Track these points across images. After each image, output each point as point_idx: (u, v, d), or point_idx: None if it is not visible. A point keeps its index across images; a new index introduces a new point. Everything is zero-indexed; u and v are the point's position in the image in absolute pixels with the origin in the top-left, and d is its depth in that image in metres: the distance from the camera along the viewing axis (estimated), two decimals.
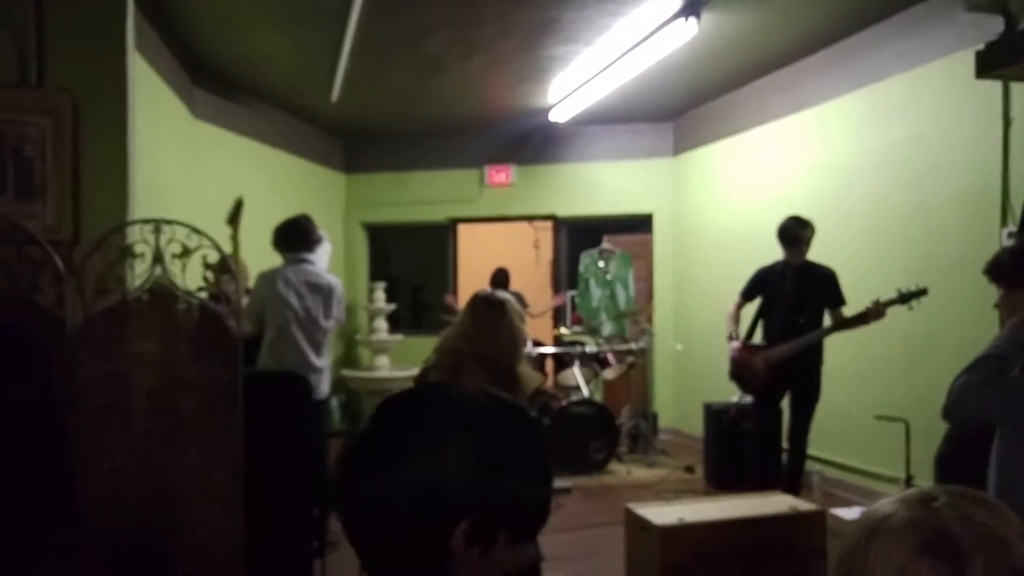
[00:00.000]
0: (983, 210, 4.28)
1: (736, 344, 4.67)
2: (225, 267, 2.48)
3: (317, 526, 3.15)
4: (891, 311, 4.21)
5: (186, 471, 2.32)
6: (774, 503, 3.69)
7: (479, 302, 2.59)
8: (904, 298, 4.14)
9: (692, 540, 3.15)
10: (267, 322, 3.90)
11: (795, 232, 4.52)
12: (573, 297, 7.33)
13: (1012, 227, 4.09)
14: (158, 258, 2.32)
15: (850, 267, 4.84)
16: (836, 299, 4.50)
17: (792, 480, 4.50)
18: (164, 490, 2.28)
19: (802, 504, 3.68)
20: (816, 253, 4.75)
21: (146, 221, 2.33)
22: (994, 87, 4.20)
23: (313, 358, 3.98)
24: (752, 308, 4.79)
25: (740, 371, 4.66)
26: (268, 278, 3.98)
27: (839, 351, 4.82)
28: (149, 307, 2.29)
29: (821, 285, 4.52)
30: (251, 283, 4.08)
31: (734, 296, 4.83)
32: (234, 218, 3.65)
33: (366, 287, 7.77)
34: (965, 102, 4.41)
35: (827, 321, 4.52)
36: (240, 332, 2.59)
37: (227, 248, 3.60)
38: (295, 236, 4.08)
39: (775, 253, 4.68)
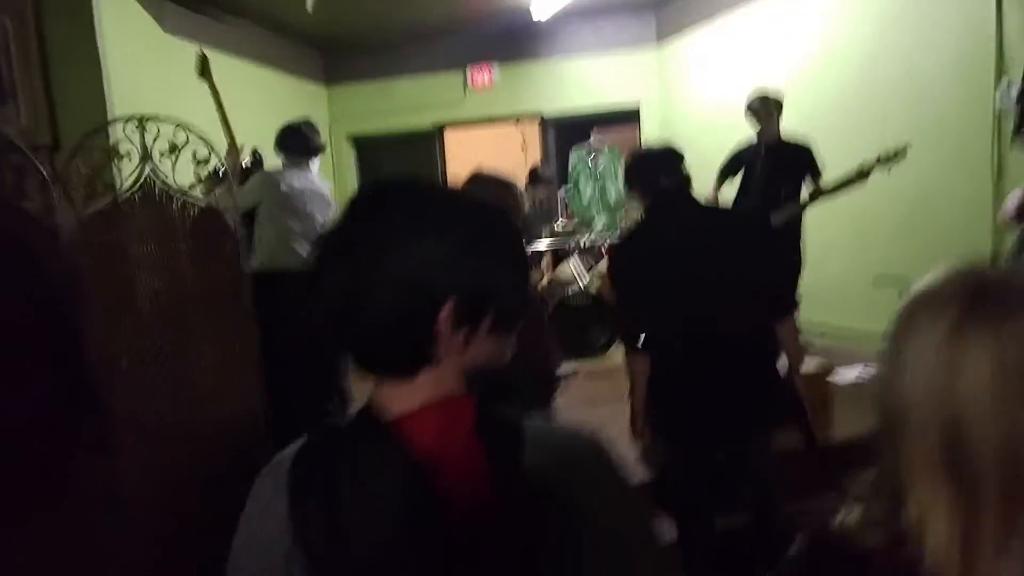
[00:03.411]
0: (977, 67, 4.23)
1: None
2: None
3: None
4: (886, 176, 4.16)
5: (203, 369, 2.34)
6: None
7: (471, 180, 2.51)
8: (884, 160, 4.08)
9: None
10: (263, 223, 3.87)
11: (755, 107, 4.48)
12: (564, 195, 7.28)
13: (1008, 83, 4.02)
14: (146, 156, 2.28)
15: (844, 137, 4.81)
16: (813, 172, 4.47)
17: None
18: (183, 388, 2.31)
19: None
20: (809, 126, 4.71)
21: (128, 119, 2.27)
22: None
23: None
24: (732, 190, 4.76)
25: None
26: (271, 178, 3.94)
27: (833, 219, 4.86)
28: (143, 208, 2.27)
29: (796, 159, 4.48)
30: (244, 158, 4.04)
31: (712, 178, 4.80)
32: (203, 70, 3.59)
33: None
34: None
35: (805, 195, 4.50)
36: (240, 227, 2.57)
37: (210, 108, 3.56)
38: (296, 141, 4.02)
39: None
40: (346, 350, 0.81)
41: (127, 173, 2.28)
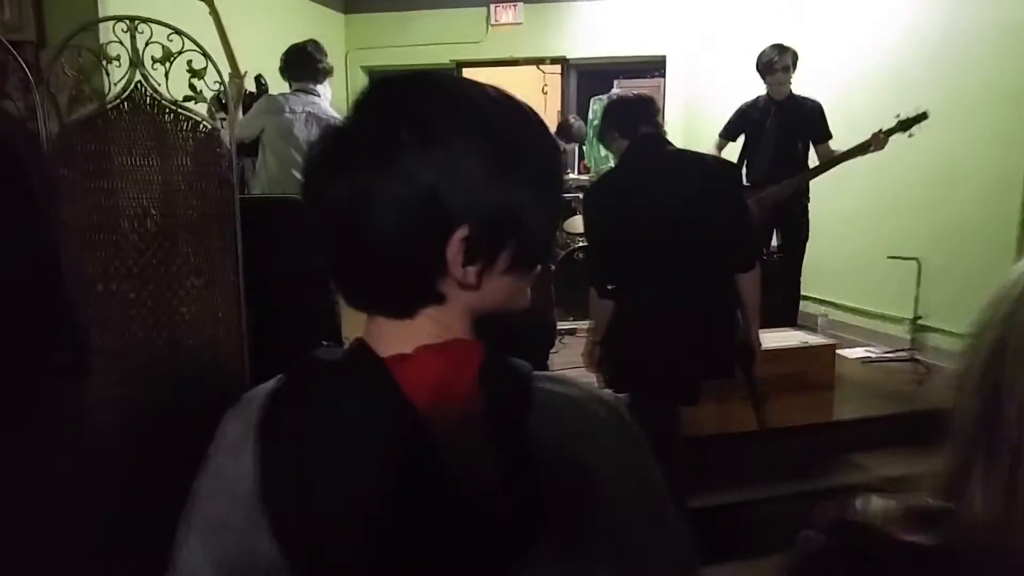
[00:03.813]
0: (1013, 39, 3.97)
1: None
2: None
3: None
4: (909, 146, 3.98)
5: (186, 293, 2.20)
6: (785, 337, 3.72)
7: None
8: (904, 125, 3.90)
9: None
10: (266, 149, 3.69)
11: (771, 58, 4.23)
12: (581, 144, 7.06)
13: None
14: (136, 62, 2.10)
15: (876, 102, 4.56)
16: (822, 133, 4.28)
17: (789, 316, 4.46)
18: (164, 313, 2.18)
19: (813, 339, 3.71)
20: (842, 87, 4.48)
21: (119, 18, 2.09)
22: None
23: None
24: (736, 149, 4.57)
25: None
26: (274, 102, 3.75)
27: (849, 192, 4.68)
28: (131, 118, 2.10)
29: (808, 119, 4.28)
30: (248, 83, 3.85)
31: (714, 137, 4.62)
32: None
33: None
34: None
35: (812, 157, 4.32)
36: (235, 147, 2.41)
37: (211, 32, 3.38)
38: (301, 62, 3.81)
39: (800, 89, 4.40)
40: (337, 280, 0.68)
41: (116, 79, 2.11)
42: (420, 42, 7.47)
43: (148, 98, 2.13)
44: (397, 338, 0.66)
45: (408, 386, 0.63)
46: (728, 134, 4.57)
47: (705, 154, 3.14)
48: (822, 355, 3.65)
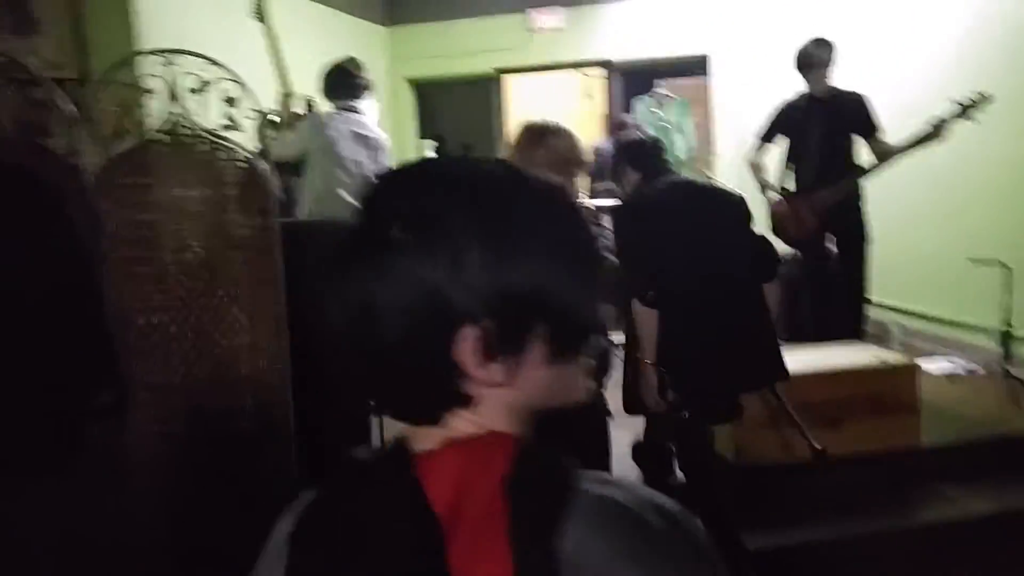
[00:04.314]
0: None
1: (775, 195, 4.27)
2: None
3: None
4: (980, 139, 3.75)
5: (227, 326, 2.19)
6: (858, 354, 3.35)
7: (520, 132, 2.31)
8: (964, 110, 3.63)
9: (763, 395, 2.89)
10: (311, 169, 3.70)
11: (810, 53, 4.02)
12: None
13: None
14: (172, 94, 2.11)
15: (940, 92, 4.32)
16: (870, 126, 4.02)
17: (856, 326, 4.16)
18: (206, 346, 2.17)
19: (891, 355, 3.33)
20: (895, 77, 4.24)
21: (154, 52, 2.10)
22: None
23: None
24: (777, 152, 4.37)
25: (784, 223, 4.25)
26: (317, 121, 3.76)
27: (919, 187, 4.40)
28: (171, 149, 2.10)
29: (853, 113, 4.04)
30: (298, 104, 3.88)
31: (753, 140, 4.39)
32: (259, 9, 3.41)
33: (415, 147, 7.51)
34: None
35: (862, 154, 4.08)
36: (275, 175, 2.40)
37: (267, 48, 3.40)
38: (340, 81, 3.80)
39: (848, 84, 4.19)
40: (362, 388, 0.65)
41: (156, 111, 2.11)
42: (461, 51, 7.46)
43: (185, 129, 2.13)
44: (431, 433, 0.61)
45: (431, 487, 0.58)
46: (767, 136, 4.36)
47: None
48: (902, 374, 3.20)
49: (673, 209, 2.63)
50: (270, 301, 2.24)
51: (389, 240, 0.58)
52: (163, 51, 2.09)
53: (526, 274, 0.58)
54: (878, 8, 5.18)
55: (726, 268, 2.58)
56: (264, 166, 2.32)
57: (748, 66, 6.76)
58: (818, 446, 2.51)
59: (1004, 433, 3.32)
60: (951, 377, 4.08)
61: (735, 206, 2.79)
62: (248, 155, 2.27)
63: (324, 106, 3.98)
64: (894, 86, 4.65)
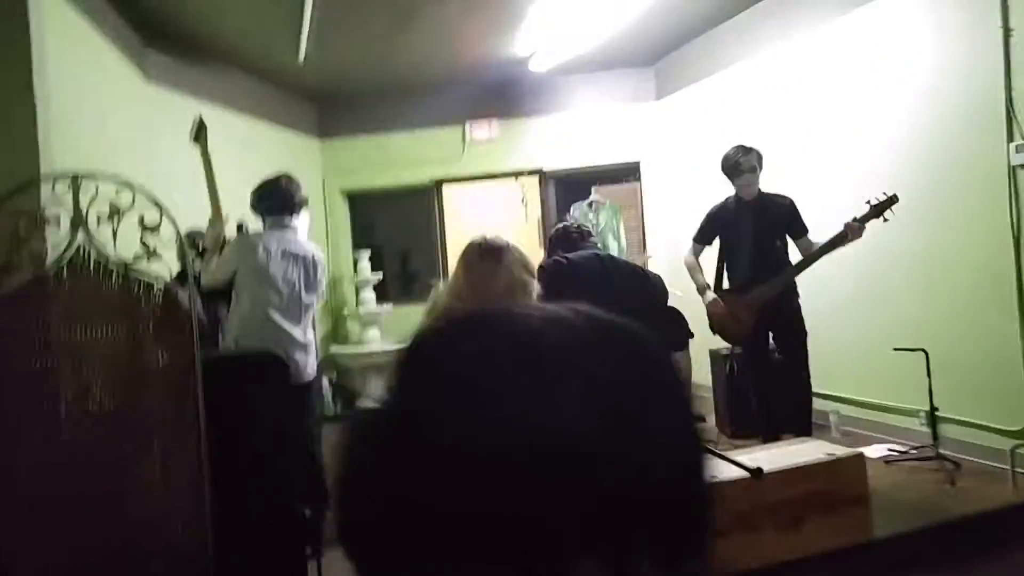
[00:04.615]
0: (989, 126, 4.00)
1: (712, 295, 4.33)
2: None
3: (310, 528, 2.74)
4: (898, 237, 3.99)
5: (136, 486, 1.91)
6: (808, 450, 3.40)
7: (471, 251, 2.19)
8: (877, 209, 3.89)
9: (726, 497, 2.83)
10: (240, 292, 3.47)
11: (736, 160, 4.17)
12: None
13: (1020, 140, 3.83)
14: (79, 222, 1.89)
15: (857, 195, 4.50)
16: (799, 228, 4.21)
17: (803, 422, 4.22)
18: (108, 513, 1.88)
19: (837, 448, 3.39)
20: (816, 182, 4.46)
21: (61, 177, 1.89)
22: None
23: (297, 334, 3.56)
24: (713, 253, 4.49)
25: (722, 322, 4.33)
26: (248, 243, 3.56)
27: (844, 280, 4.60)
28: (73, 284, 1.87)
29: (782, 215, 4.21)
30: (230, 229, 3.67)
31: (688, 244, 4.53)
32: (198, 136, 3.28)
33: (350, 257, 7.34)
34: (962, 15, 4.15)
35: (792, 254, 4.23)
36: (201, 304, 2.18)
37: (201, 173, 3.26)
38: (276, 198, 3.65)
39: (772, 188, 4.36)
40: None
41: (56, 240, 1.89)
42: (398, 163, 7.45)
43: (91, 260, 1.91)
44: None
45: None
46: (702, 239, 4.46)
47: (628, 260, 3.90)
48: (851, 466, 3.25)
49: (583, 274, 2.95)
50: (189, 451, 1.97)
51: (422, 428, 0.45)
52: (70, 175, 1.89)
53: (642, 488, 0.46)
54: (797, 119, 5.40)
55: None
56: (184, 296, 2.10)
57: (677, 172, 6.94)
58: (751, 467, 2.45)
59: (947, 518, 3.41)
60: (889, 460, 4.17)
61: (646, 279, 3.24)
62: (167, 285, 2.05)
63: (256, 224, 3.81)
64: (816, 189, 4.81)
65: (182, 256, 3.10)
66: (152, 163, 4.52)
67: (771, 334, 4.29)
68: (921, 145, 4.39)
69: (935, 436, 4.09)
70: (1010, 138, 3.89)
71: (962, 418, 4.17)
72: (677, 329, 3.27)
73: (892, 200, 3.86)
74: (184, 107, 5.30)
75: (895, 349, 4.26)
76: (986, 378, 4.09)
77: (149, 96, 4.94)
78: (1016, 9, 3.84)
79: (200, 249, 3.59)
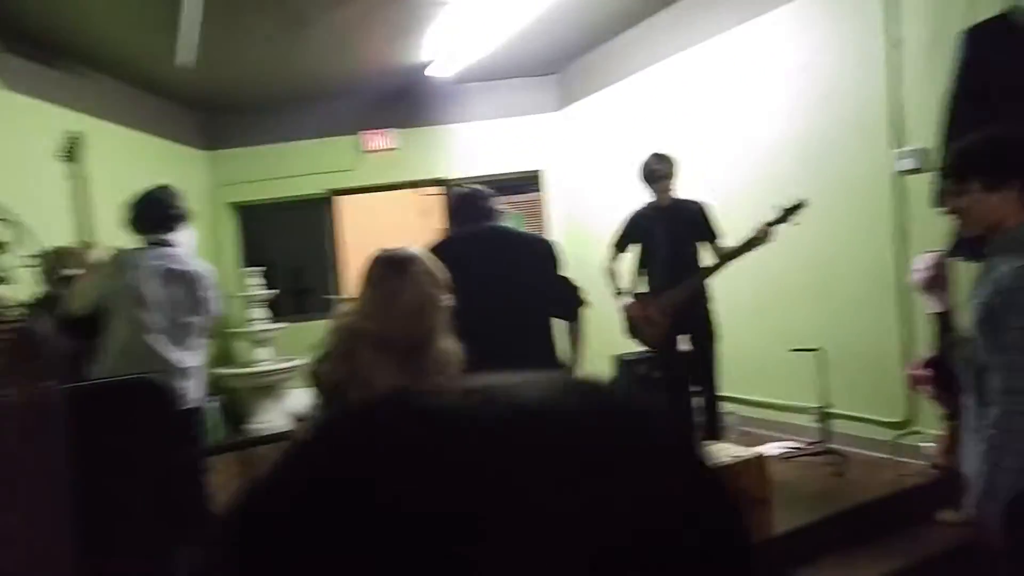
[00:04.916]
0: (876, 133, 4.19)
1: (627, 299, 4.39)
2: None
3: (191, 571, 2.51)
4: (791, 241, 4.08)
5: None
6: (714, 454, 3.44)
7: (375, 265, 2.05)
8: (785, 214, 3.98)
9: None
10: (114, 318, 3.19)
11: (652, 167, 4.26)
12: None
13: (902, 148, 4.02)
14: None
15: (752, 202, 4.65)
16: (711, 233, 4.30)
17: (710, 425, 4.31)
18: None
19: (742, 451, 3.47)
20: (715, 190, 4.58)
21: None
22: (877, 11, 4.12)
23: (178, 358, 3.26)
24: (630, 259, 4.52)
25: (637, 325, 4.39)
26: (119, 262, 3.26)
27: (741, 285, 4.73)
28: None
29: (693, 221, 4.30)
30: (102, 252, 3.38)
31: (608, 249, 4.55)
32: (71, 154, 3.00)
33: (239, 275, 7.00)
34: (850, 27, 4.32)
35: (706, 257, 4.31)
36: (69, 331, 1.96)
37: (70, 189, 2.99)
38: (152, 212, 3.35)
39: (679, 193, 4.41)
40: None
41: None
42: (290, 173, 7.19)
43: None
44: None
45: None
46: (620, 244, 4.50)
47: (525, 233, 3.89)
48: (753, 467, 3.35)
49: (464, 254, 2.82)
50: (56, 496, 1.76)
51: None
52: None
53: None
54: (699, 126, 5.51)
55: (516, 303, 2.89)
56: (44, 324, 1.88)
57: (580, 180, 6.97)
58: None
59: (842, 508, 3.57)
60: (784, 457, 4.30)
61: (534, 247, 3.23)
62: (20, 311, 1.83)
63: (132, 242, 3.51)
64: (720, 194, 4.91)
65: (47, 279, 2.83)
66: (12, 178, 4.15)
67: (688, 336, 4.35)
68: (816, 151, 4.54)
69: (826, 432, 4.28)
70: (896, 145, 4.05)
71: (850, 413, 4.37)
72: (568, 298, 3.21)
73: (799, 205, 3.97)
74: (51, 118, 4.92)
75: (792, 350, 4.42)
76: (871, 374, 4.29)
77: (9, 105, 4.55)
78: (901, 20, 4.01)
79: (64, 272, 3.29)
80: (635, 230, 4.42)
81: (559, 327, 3.26)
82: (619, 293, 4.42)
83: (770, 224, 3.98)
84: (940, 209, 3.27)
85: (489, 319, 2.55)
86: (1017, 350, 1.71)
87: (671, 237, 4.25)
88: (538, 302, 3.14)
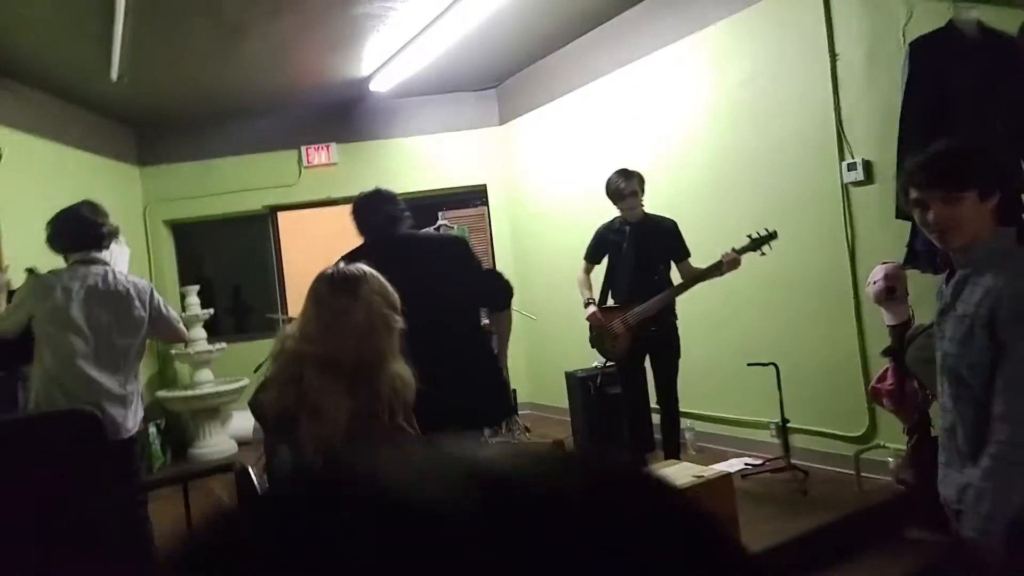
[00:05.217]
0: (822, 146, 4.25)
1: (593, 309, 4.39)
2: None
3: None
4: (748, 254, 4.09)
5: None
6: (675, 473, 3.38)
7: (321, 284, 1.98)
8: (756, 243, 4.05)
9: None
10: (40, 342, 3.04)
11: (618, 185, 4.27)
12: None
13: (850, 159, 4.09)
14: None
15: (698, 216, 4.70)
16: (680, 252, 4.32)
17: (671, 443, 4.31)
18: None
19: (706, 470, 3.40)
20: (662, 204, 4.60)
21: None
22: (818, 24, 4.19)
23: (111, 384, 3.10)
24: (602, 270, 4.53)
25: (600, 337, 4.40)
26: (42, 284, 3.11)
27: (697, 301, 4.73)
28: None
29: (663, 238, 4.31)
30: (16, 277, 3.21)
31: (581, 261, 4.54)
32: None
33: (177, 293, 6.79)
34: (792, 41, 4.39)
35: (675, 275, 4.34)
36: None
37: None
38: (77, 230, 3.20)
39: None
40: None
41: None
42: (230, 189, 7.00)
43: None
44: None
45: None
46: (591, 258, 4.51)
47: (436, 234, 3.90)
48: (720, 488, 3.25)
49: (384, 261, 2.66)
50: None
51: None
52: None
53: None
54: (645, 141, 5.51)
55: (447, 308, 2.88)
56: None
57: (524, 194, 6.97)
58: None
59: (807, 527, 3.50)
60: (745, 474, 4.24)
61: (452, 248, 3.29)
62: None
63: (55, 263, 3.34)
64: (669, 209, 4.92)
65: None
66: None
67: (649, 353, 4.35)
68: (765, 164, 4.57)
69: (786, 447, 4.22)
70: (841, 157, 4.11)
71: (810, 427, 4.34)
72: (497, 288, 3.26)
73: (772, 236, 4.01)
74: None
75: (749, 364, 4.39)
76: (830, 388, 4.27)
77: None
78: (840, 36, 4.09)
79: None
80: (603, 243, 4.43)
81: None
82: (587, 303, 4.42)
83: (738, 252, 4.04)
84: (903, 220, 3.28)
85: (424, 329, 2.47)
86: None
87: (638, 253, 4.26)
88: (468, 301, 3.22)
